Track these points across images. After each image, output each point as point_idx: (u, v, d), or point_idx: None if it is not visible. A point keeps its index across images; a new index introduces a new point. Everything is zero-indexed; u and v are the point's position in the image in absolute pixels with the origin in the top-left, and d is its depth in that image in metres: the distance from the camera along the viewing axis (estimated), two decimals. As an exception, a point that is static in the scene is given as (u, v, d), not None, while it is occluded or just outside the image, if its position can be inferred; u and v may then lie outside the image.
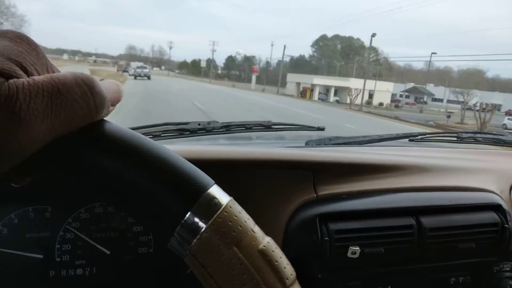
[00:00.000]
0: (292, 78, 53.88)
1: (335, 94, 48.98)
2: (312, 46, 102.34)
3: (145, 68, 39.61)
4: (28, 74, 0.26)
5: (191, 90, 30.04)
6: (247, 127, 1.10)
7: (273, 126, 1.13)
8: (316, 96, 47.14)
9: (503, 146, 1.17)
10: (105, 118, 0.30)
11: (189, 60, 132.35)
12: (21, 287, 0.65)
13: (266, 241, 0.31)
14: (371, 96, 48.40)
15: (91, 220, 0.67)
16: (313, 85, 47.31)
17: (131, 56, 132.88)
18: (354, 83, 42.08)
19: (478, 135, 1.18)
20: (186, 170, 0.30)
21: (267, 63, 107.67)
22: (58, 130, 0.26)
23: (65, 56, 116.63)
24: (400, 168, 0.81)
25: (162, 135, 0.98)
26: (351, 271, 0.70)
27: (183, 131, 1.01)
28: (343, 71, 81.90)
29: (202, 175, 0.31)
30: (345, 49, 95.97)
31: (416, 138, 1.16)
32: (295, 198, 0.70)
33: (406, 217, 0.72)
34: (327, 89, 49.45)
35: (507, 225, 0.78)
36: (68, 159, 0.28)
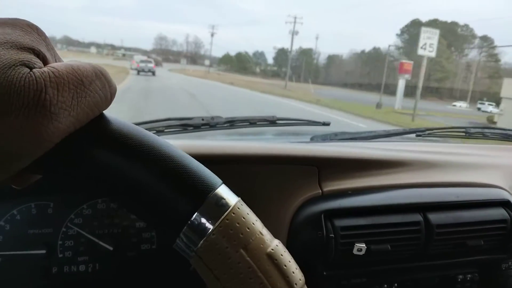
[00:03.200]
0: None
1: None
2: (401, 34, 76.82)
3: (150, 62, 35.77)
4: (44, 63, 0.26)
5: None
6: (251, 122, 1.07)
7: (277, 121, 1.11)
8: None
9: (511, 141, 1.16)
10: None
11: (232, 53, 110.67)
12: (24, 283, 0.64)
13: (274, 244, 0.30)
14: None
15: (93, 216, 0.67)
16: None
17: (162, 50, 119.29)
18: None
19: (487, 130, 1.16)
20: (194, 169, 0.29)
21: (329, 57, 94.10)
22: (81, 121, 0.26)
23: (93, 50, 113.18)
24: (406, 164, 0.79)
25: (165, 130, 0.97)
26: (356, 268, 0.69)
27: (186, 126, 0.99)
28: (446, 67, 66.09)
29: (210, 174, 0.30)
30: (446, 39, 68.89)
31: (424, 133, 1.14)
32: (300, 194, 0.69)
33: (413, 213, 0.71)
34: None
35: None
36: (77, 155, 0.27)
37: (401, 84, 22.49)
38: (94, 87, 0.27)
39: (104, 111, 0.29)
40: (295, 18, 58.68)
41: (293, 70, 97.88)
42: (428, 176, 0.79)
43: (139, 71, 33.11)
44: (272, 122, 1.11)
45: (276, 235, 0.65)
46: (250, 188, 0.67)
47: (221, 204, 0.29)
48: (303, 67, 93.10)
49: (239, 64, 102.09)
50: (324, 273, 0.67)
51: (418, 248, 0.71)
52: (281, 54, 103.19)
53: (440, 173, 0.81)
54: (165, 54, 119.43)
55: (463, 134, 1.14)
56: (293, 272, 0.30)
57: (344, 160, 0.75)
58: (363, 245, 0.66)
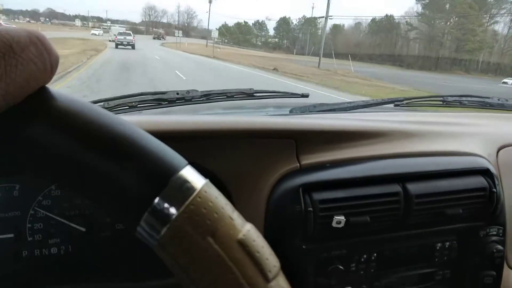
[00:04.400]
0: None
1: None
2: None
3: (129, 35, 32.30)
4: None
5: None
6: (228, 95, 1.05)
7: (255, 94, 1.09)
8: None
9: (489, 109, 1.16)
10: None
11: (230, 23, 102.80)
12: None
13: (246, 230, 0.27)
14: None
15: (63, 197, 0.65)
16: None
17: (151, 22, 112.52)
18: None
19: (464, 98, 1.16)
20: (154, 149, 0.27)
21: (334, 27, 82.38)
22: (13, 95, 0.23)
23: (78, 22, 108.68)
24: (385, 134, 0.79)
25: (138, 105, 0.94)
26: (336, 240, 0.69)
27: (160, 101, 0.96)
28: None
29: (173, 155, 0.28)
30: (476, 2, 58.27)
31: (402, 103, 1.13)
32: (278, 168, 0.68)
33: (392, 184, 0.71)
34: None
35: (494, 189, 0.77)
36: (13, 134, 0.24)
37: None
38: (28, 54, 0.23)
39: (47, 85, 0.26)
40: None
41: (297, 42, 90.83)
42: (406, 146, 0.79)
43: (117, 44, 30.84)
44: (249, 95, 1.08)
45: (254, 210, 0.67)
46: (226, 163, 0.66)
47: (185, 188, 0.26)
48: (308, 39, 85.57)
49: (240, 36, 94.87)
50: (304, 247, 0.66)
51: (397, 219, 0.71)
52: (283, 24, 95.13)
53: (418, 143, 0.80)
54: (154, 26, 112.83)
55: (441, 102, 1.14)
56: (267, 259, 0.28)
57: (322, 132, 0.74)
58: (342, 218, 0.65)
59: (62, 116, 0.25)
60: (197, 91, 1.01)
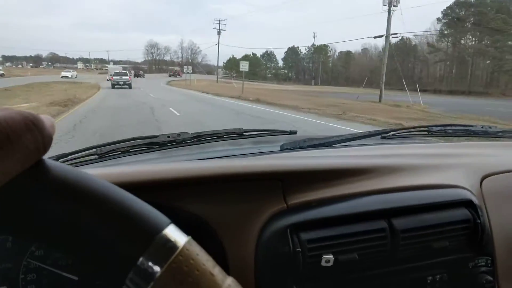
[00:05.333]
0: None
1: None
2: (445, 17, 59.45)
3: (125, 74, 31.71)
4: None
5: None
6: (219, 136, 1.08)
7: (244, 133, 1.12)
8: None
9: (473, 137, 1.19)
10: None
11: (236, 55, 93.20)
12: None
13: (226, 284, 0.28)
14: None
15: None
16: None
17: (154, 60, 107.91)
18: None
19: (448, 127, 1.19)
20: (138, 210, 0.29)
21: (345, 53, 78.85)
22: (11, 175, 0.25)
23: (80, 65, 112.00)
24: (371, 171, 0.80)
25: (130, 150, 0.96)
26: (326, 279, 0.69)
27: (152, 144, 0.99)
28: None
29: (156, 215, 0.29)
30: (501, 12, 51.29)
31: (388, 134, 1.17)
32: (265, 210, 0.69)
33: (378, 220, 0.72)
34: None
35: (478, 220, 0.78)
36: (13, 204, 0.26)
37: None
38: (24, 141, 0.25)
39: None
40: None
41: (306, 72, 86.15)
42: (392, 181, 0.80)
43: (113, 85, 29.81)
44: (239, 134, 1.12)
45: (243, 251, 0.67)
46: (215, 207, 0.67)
47: (168, 247, 0.28)
48: (320, 68, 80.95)
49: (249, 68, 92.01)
50: (294, 287, 0.67)
51: (385, 254, 0.72)
52: (291, 53, 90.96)
53: (403, 177, 0.82)
54: (157, 64, 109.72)
55: (426, 133, 1.17)
56: None
57: (308, 172, 0.75)
58: (330, 256, 0.66)
59: (54, 186, 0.27)
60: (187, 133, 1.04)
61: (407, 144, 1.16)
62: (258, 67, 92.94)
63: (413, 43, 69.79)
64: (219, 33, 60.30)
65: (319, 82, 74.62)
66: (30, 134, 0.25)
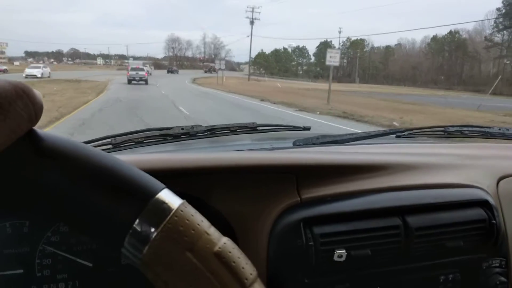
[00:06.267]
0: None
1: None
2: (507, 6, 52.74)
3: (141, 70, 30.22)
4: None
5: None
6: (232, 129, 1.09)
7: (258, 128, 1.12)
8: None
9: (490, 138, 1.17)
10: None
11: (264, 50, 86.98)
12: None
13: (222, 243, 0.30)
14: None
15: (71, 233, 0.66)
16: None
17: (175, 57, 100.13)
18: None
19: (465, 128, 1.17)
20: (132, 176, 0.30)
21: (386, 48, 70.67)
22: (4, 143, 0.26)
23: (100, 61, 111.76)
24: (385, 167, 0.80)
25: (144, 141, 0.97)
26: (338, 274, 0.69)
27: (166, 136, 1.00)
28: None
29: (149, 180, 0.30)
30: None
31: (403, 134, 1.15)
32: (279, 203, 0.69)
33: (392, 217, 0.72)
34: None
35: (494, 221, 0.77)
36: (9, 172, 0.27)
37: None
38: (15, 107, 0.25)
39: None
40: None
41: (341, 68, 75.96)
42: (406, 178, 0.80)
43: (129, 80, 28.76)
44: (252, 128, 1.12)
45: (256, 243, 0.68)
46: (228, 198, 0.67)
47: (162, 209, 0.29)
48: (357, 64, 73.30)
49: (278, 64, 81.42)
50: (306, 281, 0.67)
51: (398, 252, 0.71)
52: (323, 49, 78.66)
53: (418, 175, 0.81)
54: (178, 60, 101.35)
55: (442, 133, 1.15)
56: (243, 268, 0.30)
57: (322, 166, 0.75)
58: (343, 251, 0.66)
59: (49, 154, 0.28)
60: (201, 126, 1.05)
61: (422, 144, 1.15)
62: (288, 63, 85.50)
63: (463, 36, 62.52)
64: (251, 22, 52.27)
65: (356, 79, 67.90)
66: (21, 102, 0.26)
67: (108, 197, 0.28)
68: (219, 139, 1.17)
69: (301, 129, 1.19)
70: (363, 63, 77.10)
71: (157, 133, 1.00)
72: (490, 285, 0.78)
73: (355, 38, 79.11)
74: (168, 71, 61.45)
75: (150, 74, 48.24)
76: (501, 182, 0.88)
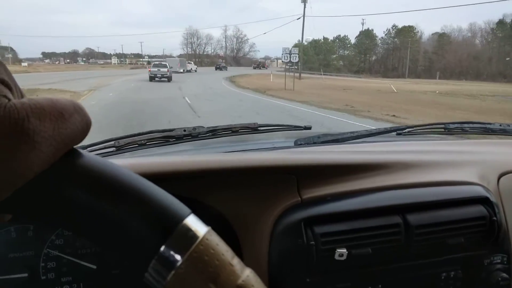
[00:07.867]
0: None
1: None
2: None
3: (164, 66, 28.25)
4: (14, 96, 0.26)
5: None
6: (233, 130, 1.11)
7: (259, 128, 1.14)
8: None
9: (491, 135, 1.16)
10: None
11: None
12: None
13: (245, 275, 0.29)
14: None
15: (74, 236, 0.67)
16: None
17: (195, 54, 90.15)
18: None
19: (466, 125, 1.17)
20: (160, 200, 0.29)
21: (440, 35, 60.94)
22: (60, 152, 0.27)
23: (114, 60, 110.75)
24: (385, 166, 0.81)
25: (147, 143, 0.98)
26: (339, 273, 0.70)
27: (168, 138, 1.02)
28: None
29: (177, 205, 0.30)
30: None
31: (404, 131, 1.16)
32: (280, 203, 0.70)
33: (392, 215, 0.72)
34: None
35: (495, 218, 0.77)
36: (50, 192, 0.27)
37: None
38: (74, 120, 0.27)
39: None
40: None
41: (385, 60, 65.30)
42: (406, 177, 0.80)
43: (151, 77, 26.92)
44: (254, 129, 1.14)
45: (257, 243, 0.69)
46: (229, 199, 0.68)
47: (189, 236, 0.28)
48: (408, 56, 62.05)
49: (318, 58, 68.05)
50: (308, 280, 0.67)
51: (399, 250, 0.72)
52: (364, 39, 70.22)
53: (418, 173, 0.82)
54: (197, 57, 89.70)
55: (443, 130, 1.15)
56: None
57: (323, 166, 0.76)
58: (344, 250, 0.67)
59: (86, 174, 0.28)
60: (203, 127, 1.07)
61: (423, 141, 1.15)
62: (329, 56, 71.95)
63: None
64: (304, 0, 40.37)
65: (406, 74, 58.98)
66: (78, 115, 0.28)
67: (137, 221, 0.28)
68: (220, 140, 1.19)
69: (302, 128, 1.20)
70: (413, 55, 65.14)
71: (160, 135, 1.01)
72: (492, 282, 0.78)
73: (402, 26, 67.05)
74: (216, 68, 58.24)
75: (195, 71, 46.76)
76: (502, 179, 0.88)
